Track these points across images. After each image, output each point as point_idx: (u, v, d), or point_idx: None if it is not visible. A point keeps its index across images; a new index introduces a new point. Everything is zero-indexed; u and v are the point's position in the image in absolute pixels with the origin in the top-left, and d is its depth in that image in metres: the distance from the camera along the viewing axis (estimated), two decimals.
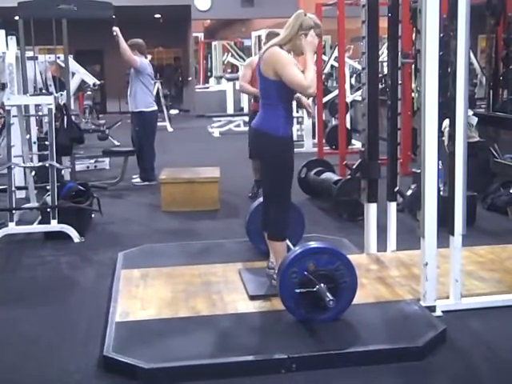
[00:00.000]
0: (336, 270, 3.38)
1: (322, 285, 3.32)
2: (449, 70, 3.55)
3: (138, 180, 7.61)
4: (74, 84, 8.63)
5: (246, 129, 12.67)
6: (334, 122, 10.23)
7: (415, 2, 4.54)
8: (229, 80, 15.17)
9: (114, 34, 7.04)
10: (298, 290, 3.34)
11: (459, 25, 3.44)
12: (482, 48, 11.58)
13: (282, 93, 3.63)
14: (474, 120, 6.49)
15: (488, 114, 7.14)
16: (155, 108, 7.62)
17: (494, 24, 7.16)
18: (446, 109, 3.57)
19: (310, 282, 3.34)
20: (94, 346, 3.31)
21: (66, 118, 5.91)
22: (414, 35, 6.81)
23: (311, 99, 8.94)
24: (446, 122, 3.73)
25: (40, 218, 5.51)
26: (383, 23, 4.40)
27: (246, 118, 13.13)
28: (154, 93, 8.56)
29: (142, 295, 3.88)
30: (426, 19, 3.45)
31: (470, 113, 6.41)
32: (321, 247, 3.47)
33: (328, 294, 3.28)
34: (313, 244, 3.52)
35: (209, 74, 20.01)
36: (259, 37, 12.92)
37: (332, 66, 10.91)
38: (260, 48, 6.10)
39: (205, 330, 3.41)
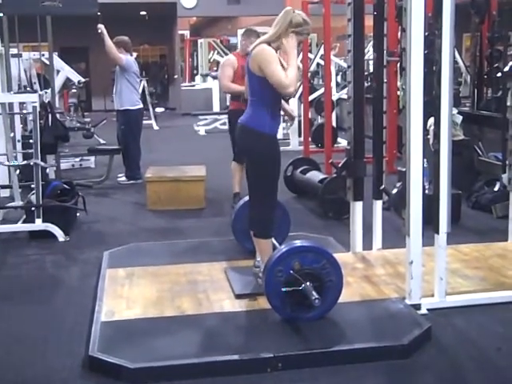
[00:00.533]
0: (322, 268, 3.39)
1: (308, 283, 3.33)
2: (434, 68, 3.56)
3: (124, 178, 7.58)
4: (58, 82, 8.58)
5: None
6: (319, 120, 10.24)
7: (401, 0, 4.55)
8: (215, 78, 15.14)
9: (99, 31, 7.00)
10: (283, 289, 3.34)
11: (444, 23, 3.45)
12: (467, 46, 11.64)
13: (269, 90, 3.62)
14: (459, 118, 6.51)
15: (472, 112, 7.17)
16: (141, 106, 7.60)
17: (479, 23, 7.18)
18: (431, 107, 3.58)
19: (296, 281, 3.34)
20: (79, 345, 3.29)
21: (50, 115, 5.87)
22: (399, 33, 6.83)
23: (296, 99, 8.97)
24: (431, 120, 3.74)
25: (24, 216, 5.47)
26: (369, 21, 4.41)
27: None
28: (140, 91, 8.54)
29: (128, 294, 3.86)
30: (411, 18, 3.46)
31: (455, 111, 6.43)
32: (306, 246, 3.47)
33: (314, 292, 3.28)
34: (298, 242, 3.52)
35: (195, 71, 19.98)
36: None
37: (318, 64, 10.92)
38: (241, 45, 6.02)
39: (190, 329, 3.40)
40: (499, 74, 6.63)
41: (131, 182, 7.49)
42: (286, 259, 3.37)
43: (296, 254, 3.40)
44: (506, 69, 4.70)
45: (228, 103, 14.61)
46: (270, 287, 3.38)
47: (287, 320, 3.39)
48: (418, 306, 3.61)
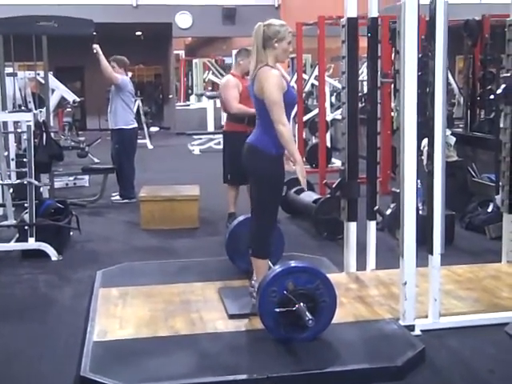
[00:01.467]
0: (315, 289, 3.38)
1: (302, 304, 3.32)
2: (427, 89, 3.59)
3: (118, 197, 7.57)
4: (53, 101, 8.58)
5: None
6: (314, 140, 10.27)
7: (394, 22, 4.60)
8: (209, 98, 15.20)
9: (95, 51, 7.04)
10: (277, 309, 3.33)
11: (437, 46, 3.48)
12: (460, 68, 11.72)
13: None
14: (452, 140, 6.55)
15: (466, 133, 7.21)
16: (135, 125, 7.62)
17: (472, 45, 7.25)
18: (425, 128, 3.60)
19: (290, 301, 3.33)
20: (71, 365, 3.26)
21: (45, 134, 5.87)
22: (393, 55, 6.88)
23: (291, 120, 9.01)
24: (425, 141, 3.76)
25: (17, 235, 5.45)
26: (363, 43, 4.45)
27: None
28: (135, 110, 8.56)
29: (121, 314, 3.84)
30: (404, 40, 3.50)
31: (448, 132, 6.47)
32: (300, 266, 3.47)
33: (307, 313, 3.27)
34: (292, 263, 3.52)
35: (189, 91, 20.03)
36: None
37: (312, 85, 10.98)
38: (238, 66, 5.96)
39: (184, 349, 3.38)
40: (492, 96, 6.67)
41: (125, 201, 7.48)
42: (279, 279, 3.36)
43: (290, 274, 3.39)
44: (499, 91, 4.73)
45: (222, 123, 14.75)
46: (264, 307, 3.37)
47: (280, 340, 3.38)
48: (411, 327, 3.60)
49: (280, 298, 3.34)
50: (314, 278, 3.40)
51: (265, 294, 3.35)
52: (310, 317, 3.25)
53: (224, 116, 13.56)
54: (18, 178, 5.92)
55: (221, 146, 13.35)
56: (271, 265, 3.91)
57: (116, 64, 7.41)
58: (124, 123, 7.38)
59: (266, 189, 3.75)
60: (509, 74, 4.56)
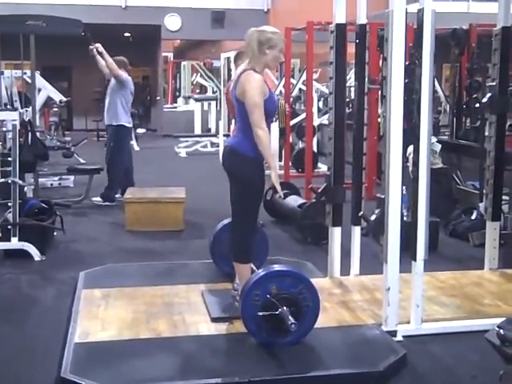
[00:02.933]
0: (299, 293, 3.38)
1: (285, 308, 3.32)
2: (414, 97, 3.61)
3: (99, 199, 7.49)
4: (40, 100, 8.55)
5: (213, 149, 12.75)
6: (300, 145, 10.29)
7: (383, 29, 4.61)
8: (197, 100, 15.18)
9: (99, 50, 7.07)
10: (260, 313, 3.33)
11: (424, 53, 3.51)
12: (447, 76, 11.79)
13: None
14: (438, 147, 6.58)
15: (451, 141, 7.25)
16: (131, 126, 7.57)
17: (459, 54, 7.31)
18: (411, 135, 3.62)
19: (273, 305, 3.32)
20: (51, 366, 3.24)
21: (30, 134, 5.83)
22: (380, 62, 6.91)
23: (277, 125, 9.02)
24: (411, 148, 3.77)
25: (0, 235, 5.41)
26: (351, 49, 4.46)
27: (214, 139, 13.16)
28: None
29: (103, 316, 3.82)
30: (392, 47, 3.51)
31: (434, 140, 6.50)
32: (284, 270, 3.47)
33: (290, 317, 3.27)
34: (276, 267, 3.52)
35: (177, 93, 20.01)
36: (228, 58, 12.99)
37: (300, 90, 11.00)
38: (229, 69, 5.97)
39: (166, 352, 3.37)
40: (477, 105, 6.73)
41: (106, 203, 7.40)
42: (263, 283, 3.36)
43: (273, 278, 3.39)
44: (484, 100, 4.76)
45: (209, 126, 14.71)
46: (247, 311, 3.36)
47: (263, 344, 3.38)
48: (393, 333, 3.61)
49: (263, 301, 3.34)
50: (297, 282, 3.40)
51: (248, 298, 3.35)
52: (293, 321, 3.25)
53: (211, 118, 13.39)
54: (2, 177, 5.87)
55: (207, 149, 13.38)
56: (255, 268, 3.91)
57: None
58: (125, 120, 7.36)
59: (246, 192, 3.74)
60: (494, 83, 4.59)
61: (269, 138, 3.66)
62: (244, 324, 3.40)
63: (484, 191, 4.93)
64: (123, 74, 7.34)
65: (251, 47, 3.66)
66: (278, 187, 3.73)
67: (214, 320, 3.73)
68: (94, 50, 7.09)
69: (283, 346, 3.36)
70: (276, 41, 3.68)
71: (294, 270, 3.51)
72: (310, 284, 3.43)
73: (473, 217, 6.02)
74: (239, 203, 3.80)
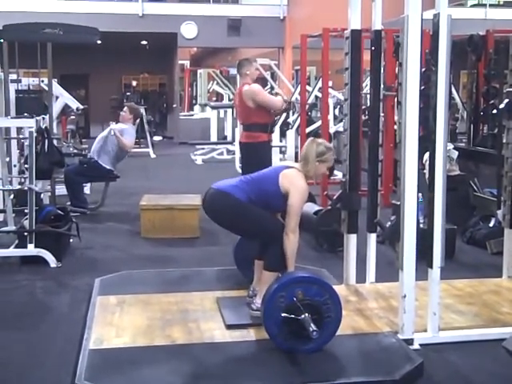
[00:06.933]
0: (323, 303, 3.35)
1: (307, 315, 3.29)
2: (430, 103, 3.58)
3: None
4: (57, 108, 8.60)
5: (229, 157, 12.76)
6: None
7: (398, 36, 4.59)
8: (213, 108, 15.21)
9: (114, 133, 7.27)
10: (283, 315, 3.30)
11: (440, 59, 3.48)
12: (464, 83, 11.74)
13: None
14: (455, 154, 6.54)
15: (468, 148, 7.21)
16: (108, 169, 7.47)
17: (476, 60, 7.27)
18: (427, 142, 3.59)
19: (297, 310, 3.29)
20: (66, 373, 3.24)
21: (46, 141, 5.87)
22: (397, 69, 6.89)
23: (294, 131, 9.03)
24: (427, 154, 3.74)
25: (17, 241, 5.44)
26: (368, 56, 4.45)
27: (230, 147, 13.18)
28: (138, 119, 8.60)
29: (118, 322, 3.82)
30: (407, 53, 3.49)
31: (451, 146, 6.46)
32: (312, 277, 3.45)
33: (312, 324, 3.24)
34: (305, 273, 3.52)
35: (194, 101, 20.09)
36: None
37: (316, 97, 10.99)
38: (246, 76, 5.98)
39: (180, 359, 3.36)
40: (495, 111, 6.67)
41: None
42: (290, 286, 3.34)
43: (301, 283, 3.37)
44: (502, 106, 4.72)
45: (225, 133, 14.74)
46: (269, 311, 3.33)
47: (279, 349, 3.35)
48: (410, 341, 3.57)
49: (288, 304, 3.31)
50: (324, 291, 3.38)
51: (273, 298, 3.32)
52: (315, 328, 3.22)
53: (227, 126, 13.39)
54: (19, 184, 5.91)
55: (223, 157, 13.39)
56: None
57: (128, 110, 7.56)
58: (109, 164, 7.35)
59: (236, 215, 3.82)
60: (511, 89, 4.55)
61: (296, 247, 3.79)
62: (264, 324, 3.36)
63: (502, 198, 4.87)
64: (132, 148, 7.55)
65: (308, 155, 3.86)
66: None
67: (229, 327, 3.71)
68: (112, 132, 7.31)
69: (298, 354, 3.33)
70: (328, 158, 3.89)
71: (322, 280, 3.50)
72: (335, 296, 3.41)
73: (490, 224, 5.97)
74: (247, 229, 3.91)
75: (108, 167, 7.35)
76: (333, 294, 3.40)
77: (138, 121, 8.47)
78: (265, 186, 3.84)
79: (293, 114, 9.81)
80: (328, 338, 3.40)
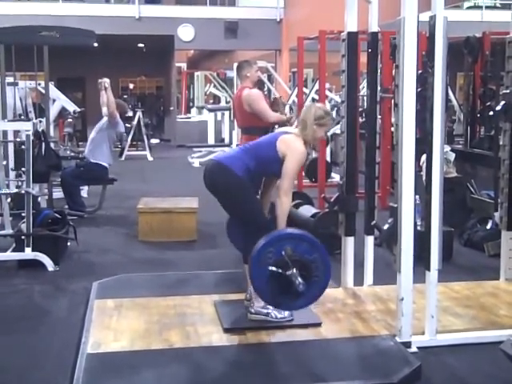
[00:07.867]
0: (312, 261, 3.36)
1: (295, 270, 3.30)
2: (427, 105, 3.58)
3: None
4: (54, 111, 8.59)
5: None
6: (314, 154, 10.26)
7: (395, 38, 4.59)
8: (210, 111, 15.23)
9: (106, 85, 7.19)
10: (270, 268, 3.30)
11: (436, 62, 3.49)
12: (461, 85, 11.75)
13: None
14: (452, 156, 6.54)
15: (465, 150, 7.21)
16: (107, 165, 7.50)
17: (472, 62, 7.27)
18: (424, 144, 3.60)
19: (285, 265, 3.29)
20: (63, 377, 3.23)
21: (43, 144, 5.85)
22: (393, 71, 6.89)
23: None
24: (425, 157, 3.75)
25: (14, 245, 5.43)
26: (365, 58, 4.44)
27: (227, 149, 13.17)
28: (135, 122, 8.61)
29: (115, 326, 3.82)
30: (403, 55, 3.50)
31: (448, 148, 6.47)
32: (303, 235, 3.46)
33: (299, 278, 3.24)
34: (296, 230, 3.53)
35: (191, 104, 20.09)
36: None
37: (313, 99, 10.99)
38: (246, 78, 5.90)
39: (178, 362, 3.35)
40: (491, 113, 6.68)
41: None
42: (279, 241, 3.35)
43: (291, 239, 3.38)
44: (498, 108, 4.73)
45: (223, 136, 14.73)
46: (256, 264, 3.34)
47: (267, 303, 3.38)
48: (408, 344, 3.57)
49: (276, 259, 3.32)
50: (313, 249, 3.38)
51: (261, 253, 3.32)
52: (302, 281, 3.22)
53: (224, 128, 13.40)
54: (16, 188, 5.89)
55: None
56: None
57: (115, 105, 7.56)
58: (104, 160, 7.37)
59: (234, 197, 3.82)
60: (508, 91, 4.56)
61: (288, 209, 3.78)
62: (251, 279, 3.38)
63: (499, 200, 4.87)
64: (118, 116, 7.47)
65: (307, 118, 3.86)
66: None
67: (227, 331, 3.70)
68: (103, 83, 7.23)
69: (287, 309, 3.36)
70: (326, 121, 3.89)
71: (313, 238, 3.49)
72: (325, 255, 3.41)
73: (488, 226, 5.98)
74: (236, 210, 3.89)
75: (105, 164, 7.37)
76: (323, 254, 3.40)
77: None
78: (263, 153, 3.85)
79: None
80: (314, 297, 3.39)
